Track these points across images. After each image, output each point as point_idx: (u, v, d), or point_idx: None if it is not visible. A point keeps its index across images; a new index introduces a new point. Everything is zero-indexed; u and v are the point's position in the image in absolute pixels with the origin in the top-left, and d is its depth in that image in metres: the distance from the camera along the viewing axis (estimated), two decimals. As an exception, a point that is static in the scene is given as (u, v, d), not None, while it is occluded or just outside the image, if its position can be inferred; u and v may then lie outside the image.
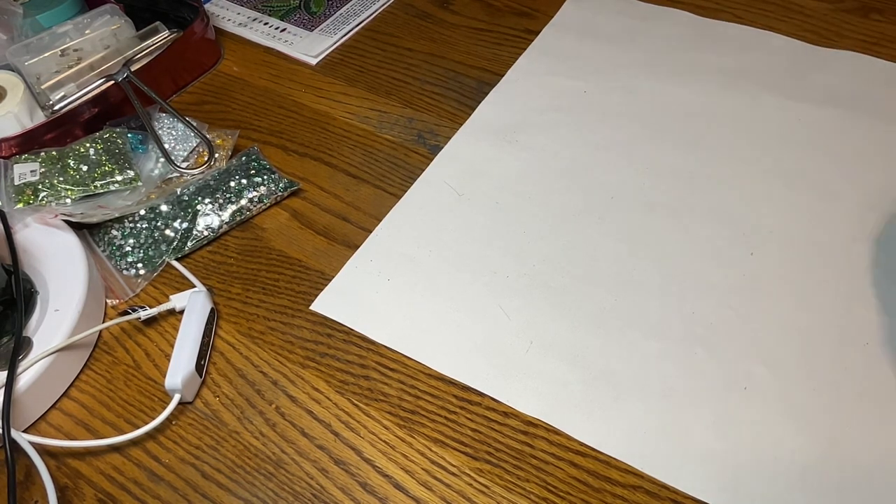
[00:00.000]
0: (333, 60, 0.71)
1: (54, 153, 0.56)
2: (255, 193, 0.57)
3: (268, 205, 0.57)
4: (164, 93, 0.67)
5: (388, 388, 0.46)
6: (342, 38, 0.73)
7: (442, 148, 0.61)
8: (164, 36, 0.68)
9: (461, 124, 0.62)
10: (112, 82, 0.62)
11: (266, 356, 0.49)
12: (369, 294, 0.51)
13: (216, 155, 0.58)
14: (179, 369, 0.45)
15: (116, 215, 0.54)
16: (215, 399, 0.47)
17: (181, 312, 0.50)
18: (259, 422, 0.46)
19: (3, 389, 0.44)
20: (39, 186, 0.53)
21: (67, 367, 0.48)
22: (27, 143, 0.57)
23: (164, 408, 0.45)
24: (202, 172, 0.57)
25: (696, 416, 0.43)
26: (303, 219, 0.57)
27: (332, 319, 0.50)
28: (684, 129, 0.60)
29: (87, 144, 0.56)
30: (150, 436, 0.45)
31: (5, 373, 0.44)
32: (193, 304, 0.49)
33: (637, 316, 0.48)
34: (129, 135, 0.58)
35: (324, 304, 0.51)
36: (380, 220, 0.56)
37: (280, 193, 0.57)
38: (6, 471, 0.41)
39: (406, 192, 0.58)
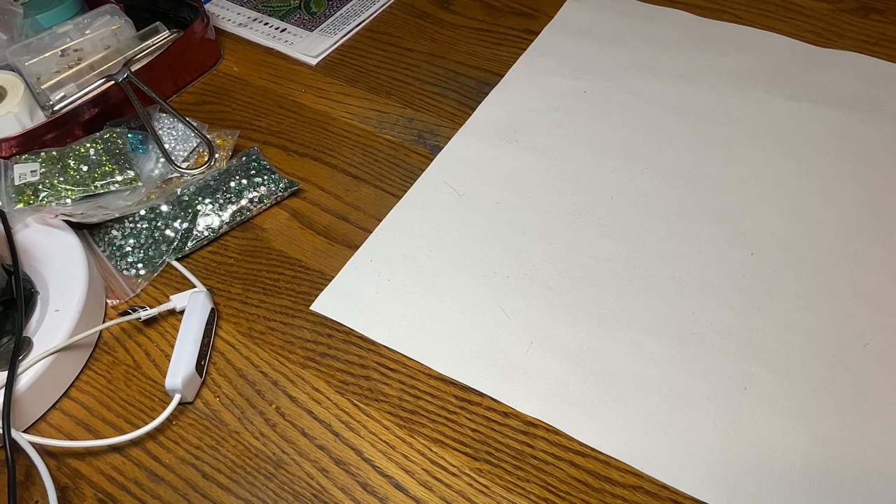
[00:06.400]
0: (333, 60, 0.71)
1: (54, 153, 0.56)
2: (255, 193, 0.57)
3: (268, 205, 0.57)
4: (165, 93, 0.67)
5: (388, 389, 0.46)
6: (342, 38, 0.73)
7: (442, 148, 0.61)
8: (164, 36, 0.68)
9: (461, 124, 0.62)
10: (112, 82, 0.62)
11: (266, 356, 0.49)
12: (369, 294, 0.51)
13: (216, 155, 0.58)
14: (180, 369, 0.45)
15: (116, 215, 0.54)
16: (215, 399, 0.47)
17: (181, 312, 0.50)
18: (259, 422, 0.46)
19: (3, 389, 0.44)
20: (40, 186, 0.53)
21: (67, 368, 0.48)
22: (27, 143, 0.57)
23: (165, 408, 0.45)
24: (202, 172, 0.57)
25: (696, 416, 0.43)
26: (303, 219, 0.57)
27: (332, 320, 0.50)
28: (684, 129, 0.60)
29: (88, 144, 0.56)
30: (150, 436, 0.45)
31: (5, 373, 0.44)
32: (194, 304, 0.49)
33: (637, 316, 0.48)
34: (129, 135, 0.58)
35: (324, 305, 0.51)
36: (380, 221, 0.56)
37: (280, 193, 0.57)
38: (6, 471, 0.41)
39: (406, 192, 0.58)
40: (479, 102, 0.64)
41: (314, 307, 0.51)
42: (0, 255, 0.50)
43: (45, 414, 0.47)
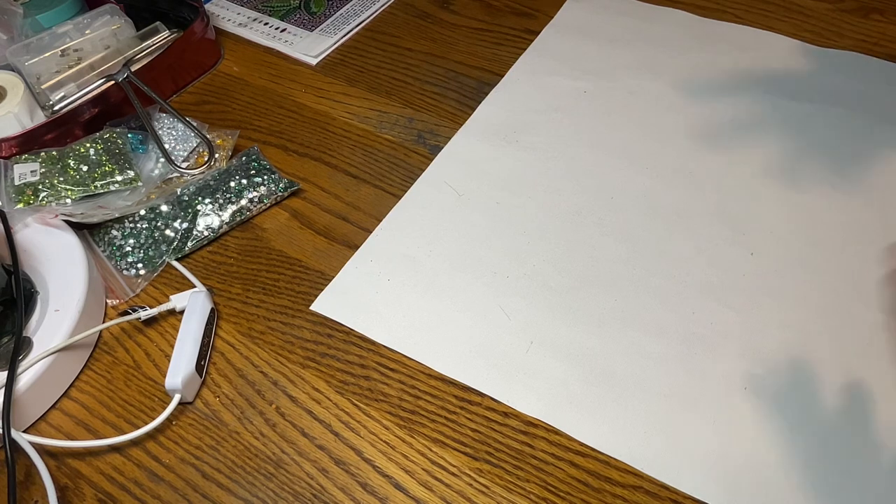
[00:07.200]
0: (333, 60, 0.71)
1: (54, 153, 0.56)
2: (255, 193, 0.57)
3: (268, 205, 0.57)
4: (164, 93, 0.67)
5: (388, 389, 0.46)
6: (342, 38, 0.73)
7: (442, 148, 0.61)
8: (164, 36, 0.68)
9: (461, 124, 0.62)
10: (112, 82, 0.62)
11: (266, 356, 0.49)
12: (369, 294, 0.51)
13: (216, 155, 0.58)
14: (180, 369, 0.45)
15: (116, 215, 0.54)
16: (215, 399, 0.47)
17: (181, 312, 0.50)
18: (259, 422, 0.46)
19: (3, 389, 0.44)
20: (40, 186, 0.53)
21: (67, 368, 0.48)
22: (27, 143, 0.57)
23: (165, 408, 0.45)
24: (202, 172, 0.57)
25: (695, 416, 0.43)
26: (303, 219, 0.57)
27: (332, 319, 0.50)
28: (684, 129, 0.60)
29: (88, 144, 0.56)
30: (150, 436, 0.45)
31: (5, 373, 0.44)
32: (193, 304, 0.49)
33: (637, 316, 0.48)
34: (129, 135, 0.58)
35: (324, 305, 0.51)
36: (380, 220, 0.56)
37: (280, 193, 0.57)
38: (6, 471, 0.41)
39: (406, 192, 0.58)
40: (479, 102, 0.64)
41: (314, 307, 0.51)
42: (0, 255, 0.50)
43: (45, 414, 0.47)
